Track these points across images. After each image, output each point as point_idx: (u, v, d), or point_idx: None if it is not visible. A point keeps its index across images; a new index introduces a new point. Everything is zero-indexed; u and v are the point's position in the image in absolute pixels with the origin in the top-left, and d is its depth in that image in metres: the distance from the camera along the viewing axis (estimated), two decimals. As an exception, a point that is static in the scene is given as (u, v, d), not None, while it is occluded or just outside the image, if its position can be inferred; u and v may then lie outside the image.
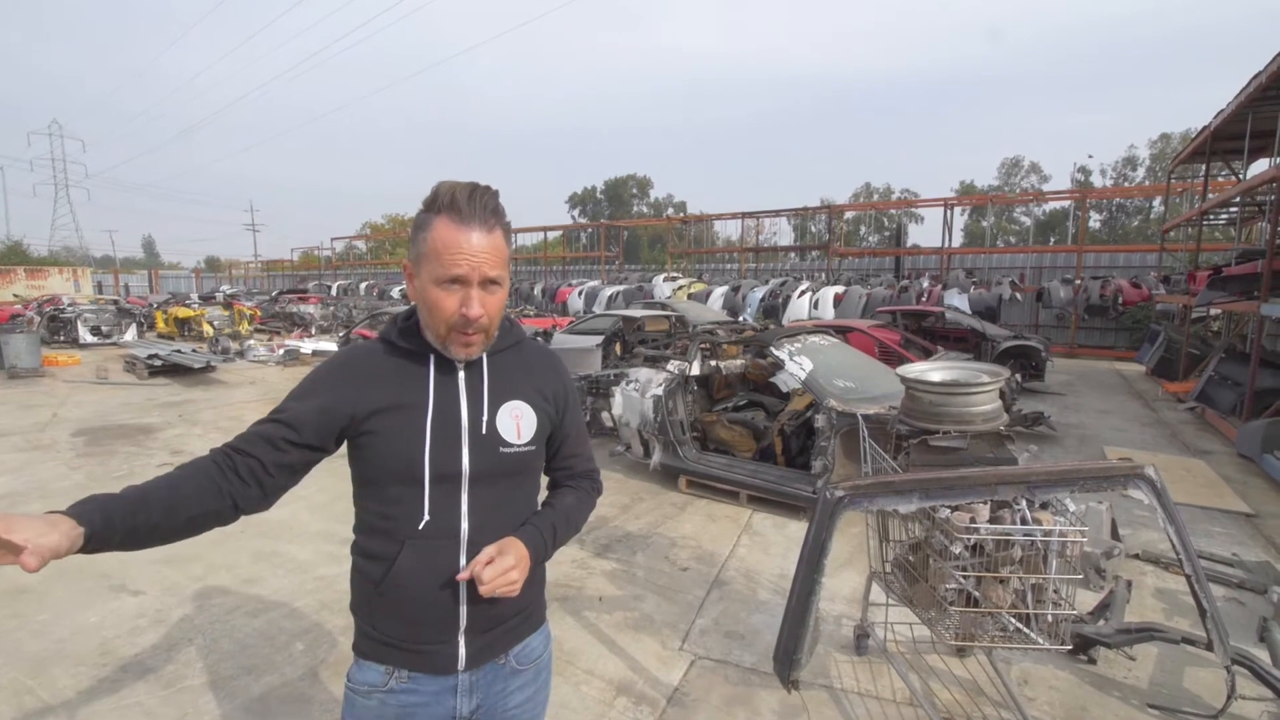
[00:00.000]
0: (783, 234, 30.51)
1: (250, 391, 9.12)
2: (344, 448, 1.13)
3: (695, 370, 5.16)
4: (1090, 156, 58.73)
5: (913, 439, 2.56)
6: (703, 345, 5.31)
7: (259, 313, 18.30)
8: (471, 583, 1.05)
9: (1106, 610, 2.79)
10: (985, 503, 1.92)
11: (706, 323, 7.60)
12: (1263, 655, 2.49)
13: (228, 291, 26.32)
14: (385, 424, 1.08)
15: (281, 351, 12.26)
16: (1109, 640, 2.58)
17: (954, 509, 1.94)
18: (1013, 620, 1.93)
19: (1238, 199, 9.58)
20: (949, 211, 17.14)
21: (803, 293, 14.25)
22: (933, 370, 2.67)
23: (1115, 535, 3.38)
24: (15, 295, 23.40)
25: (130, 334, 15.02)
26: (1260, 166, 10.29)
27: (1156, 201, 33.60)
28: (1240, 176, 9.65)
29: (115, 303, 16.98)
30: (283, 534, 3.94)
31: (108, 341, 14.61)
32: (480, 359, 1.14)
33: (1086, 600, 2.84)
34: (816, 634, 2.07)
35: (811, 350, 4.73)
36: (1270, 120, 7.71)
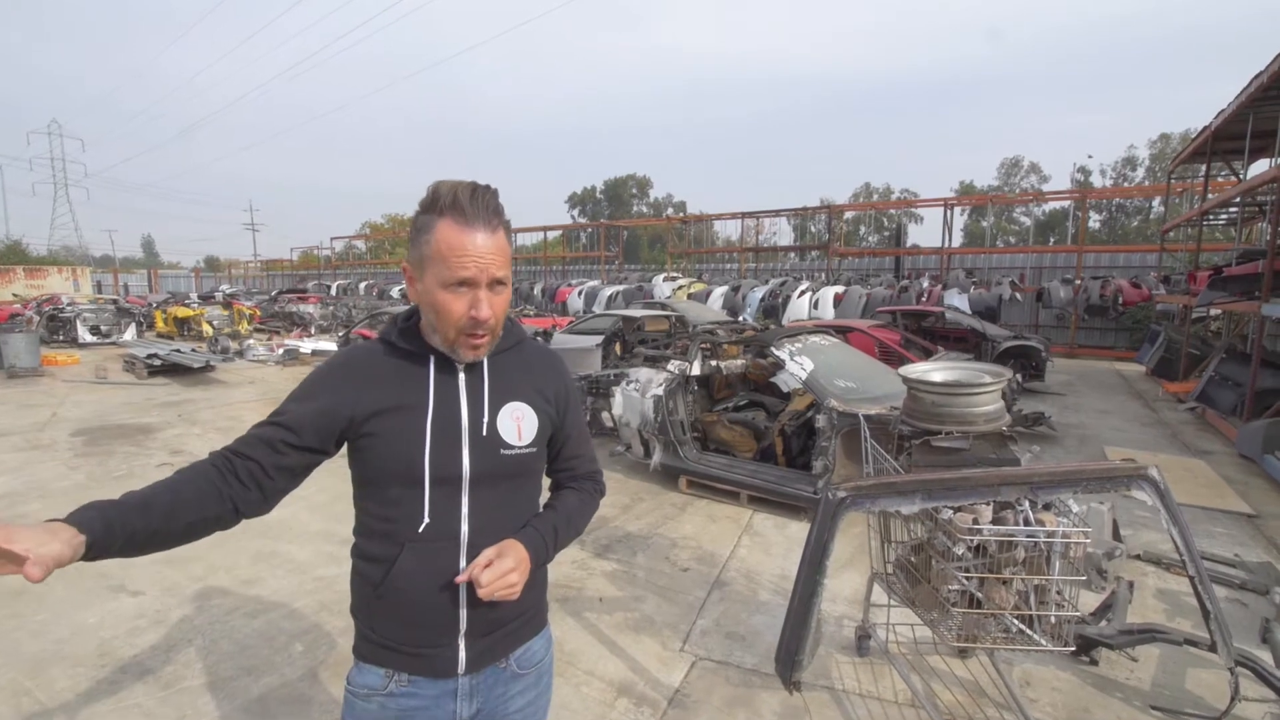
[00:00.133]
0: (782, 234, 30.54)
1: (249, 391, 9.11)
2: (344, 449, 1.12)
3: (695, 370, 5.15)
4: (1090, 156, 58.84)
5: (915, 439, 2.55)
6: (703, 345, 5.30)
7: (258, 312, 18.29)
8: (472, 585, 1.04)
9: (1109, 611, 2.78)
10: (988, 504, 1.91)
11: (707, 323, 7.59)
12: (1265, 656, 2.48)
13: (227, 291, 26.30)
14: (385, 426, 1.07)
15: (281, 351, 12.25)
16: (1111, 641, 2.57)
17: (957, 510, 1.93)
18: (1015, 622, 1.92)
19: (1238, 199, 9.57)
20: (949, 211, 17.13)
21: (803, 293, 14.24)
22: (935, 371, 2.66)
23: (1117, 536, 3.37)
24: (14, 295, 23.37)
25: (129, 333, 15.02)
26: (1261, 167, 10.28)
27: (1156, 202, 33.64)
28: (1241, 177, 9.64)
29: (114, 302, 16.96)
30: (282, 534, 3.93)
31: (107, 341, 14.60)
32: (481, 360, 1.13)
33: (1088, 601, 2.84)
34: (818, 635, 2.06)
35: (812, 350, 4.72)
36: (1271, 120, 7.70)
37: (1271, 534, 4.21)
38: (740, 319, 13.71)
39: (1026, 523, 1.87)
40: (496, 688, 1.16)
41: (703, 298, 15.83)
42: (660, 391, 4.90)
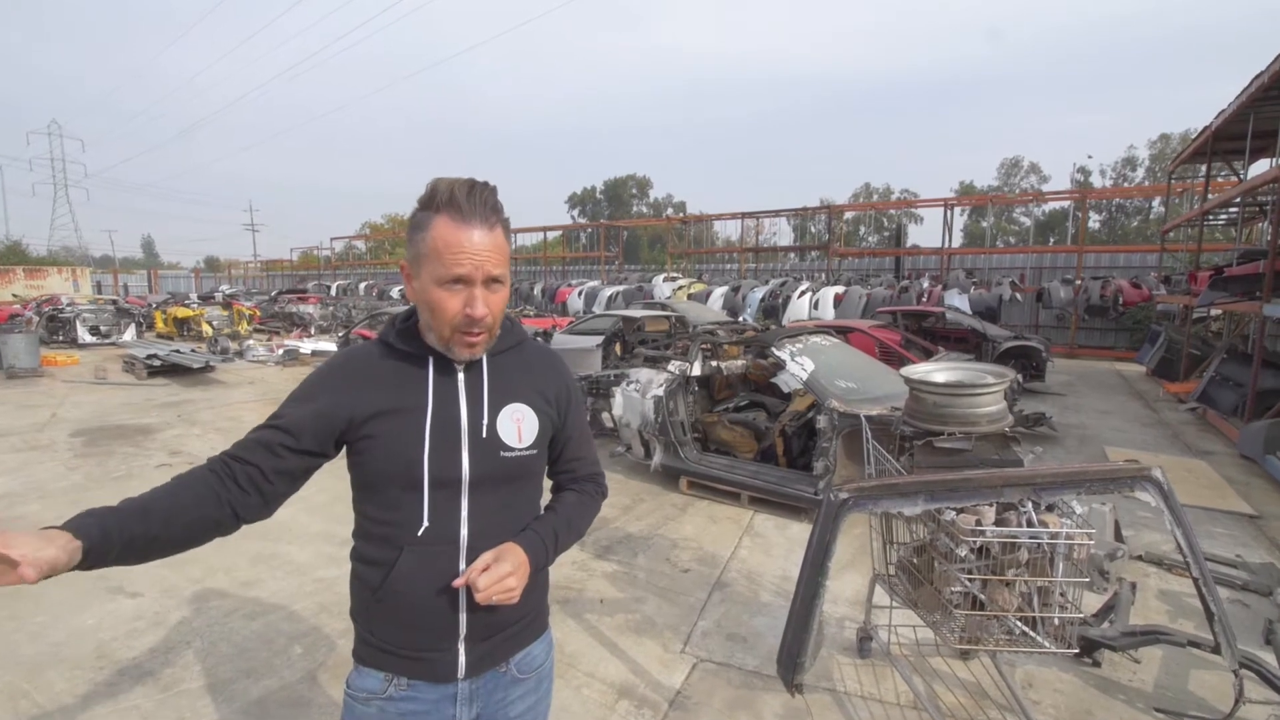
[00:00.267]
0: (782, 234, 30.54)
1: (249, 392, 9.09)
2: (344, 452, 1.11)
3: (696, 371, 5.14)
4: (1090, 157, 58.82)
5: (917, 440, 2.54)
6: (703, 346, 5.29)
7: (258, 313, 18.28)
8: (471, 589, 1.03)
9: (1111, 613, 2.77)
10: (991, 505, 1.90)
11: (707, 323, 7.58)
12: (1269, 658, 2.47)
13: (227, 291, 26.29)
14: (384, 428, 1.05)
15: (281, 351, 12.24)
16: (1114, 643, 2.56)
17: (959, 511, 1.92)
18: (1018, 623, 1.91)
19: (1239, 199, 9.57)
20: (949, 212, 17.13)
21: (803, 293, 14.24)
22: (937, 371, 2.65)
23: (1119, 537, 3.36)
24: (14, 295, 23.36)
25: (129, 334, 15.01)
26: (1261, 167, 10.27)
27: (1156, 202, 33.67)
28: (1241, 177, 9.64)
29: (114, 303, 16.95)
30: (281, 536, 3.91)
31: (106, 341, 14.59)
32: (480, 361, 1.12)
33: (1090, 603, 2.82)
34: (820, 637, 2.05)
35: (813, 351, 4.71)
36: (1272, 120, 7.70)
37: (1273, 535, 4.20)
38: (740, 319, 13.70)
39: (1030, 524, 1.86)
40: (496, 692, 1.15)
41: (703, 298, 15.82)
42: (661, 392, 4.89)
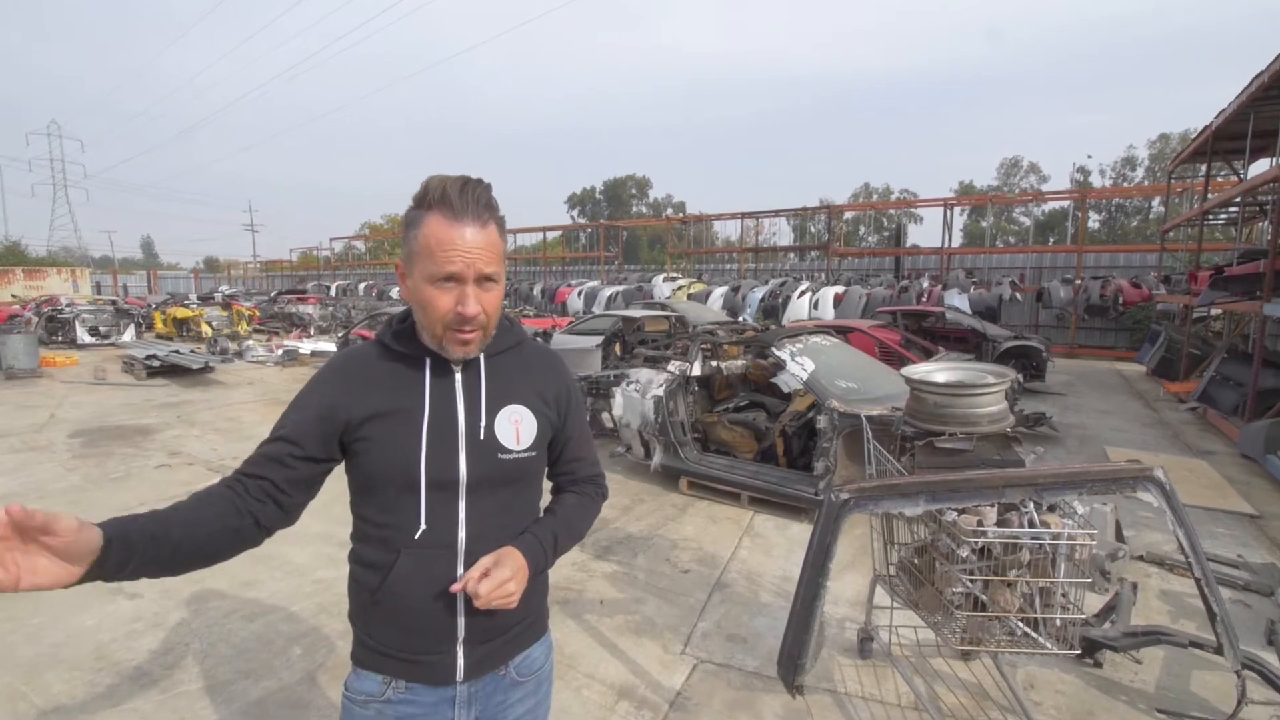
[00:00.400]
0: (782, 234, 30.56)
1: (248, 392, 9.08)
2: None
3: (696, 371, 5.13)
4: (1089, 156, 58.89)
5: (918, 440, 2.53)
6: (703, 346, 5.28)
7: (258, 313, 18.27)
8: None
9: (1112, 613, 2.76)
10: (992, 505, 1.89)
11: (707, 323, 7.58)
12: (1271, 659, 2.47)
13: (226, 292, 26.29)
14: (380, 430, 1.05)
15: (280, 352, 12.23)
16: (1116, 644, 2.55)
17: (961, 512, 1.91)
18: (1020, 624, 1.91)
19: (1239, 199, 9.57)
20: (948, 212, 17.13)
21: (802, 293, 14.23)
22: (938, 371, 2.64)
23: (1120, 537, 3.35)
24: (13, 296, 23.35)
25: (128, 334, 14.99)
26: (1261, 166, 10.28)
27: (1156, 202, 33.66)
28: (1241, 176, 9.64)
29: (113, 303, 16.95)
30: (280, 536, 3.85)
31: (106, 342, 14.57)
32: (478, 361, 1.11)
33: (1092, 603, 2.82)
34: (821, 638, 2.04)
35: (813, 351, 4.71)
36: (1272, 120, 7.69)
37: (1275, 534, 4.19)
38: (740, 319, 13.69)
39: (1031, 525, 1.86)
40: (495, 695, 1.14)
41: (702, 298, 15.82)
42: (660, 392, 4.89)
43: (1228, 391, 7.37)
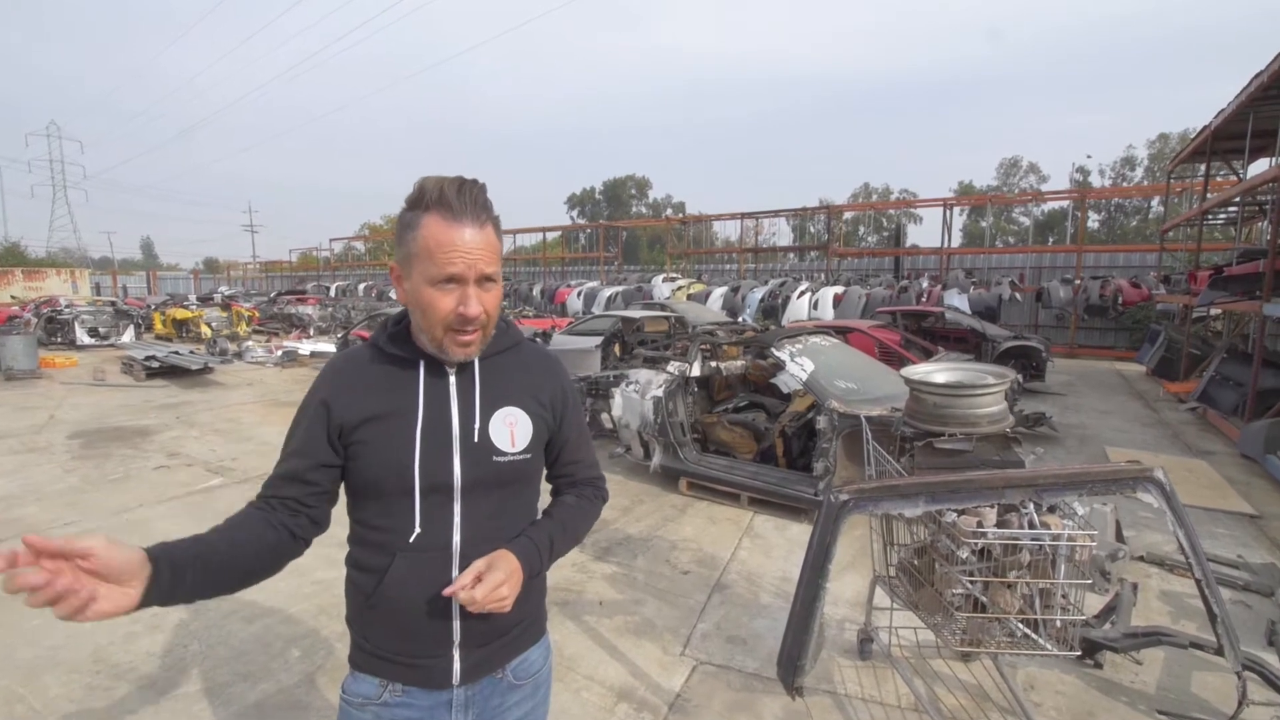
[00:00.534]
0: (782, 234, 30.53)
1: (248, 393, 9.07)
2: None
3: (695, 371, 5.13)
4: (1089, 157, 58.96)
5: (917, 441, 2.53)
6: (703, 346, 5.28)
7: (257, 314, 18.26)
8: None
9: (1113, 614, 2.76)
10: (992, 506, 1.89)
11: (706, 323, 7.57)
12: (1272, 659, 2.46)
13: (226, 293, 26.27)
14: (374, 433, 1.04)
15: (279, 353, 12.22)
16: (1116, 644, 2.55)
17: (960, 513, 1.91)
18: (1020, 625, 1.90)
19: (1238, 199, 9.56)
20: (948, 212, 17.13)
21: (802, 293, 14.23)
22: (938, 372, 2.64)
23: (1120, 538, 3.35)
24: (13, 297, 23.34)
25: (128, 335, 14.97)
26: (1261, 166, 10.27)
27: (1155, 201, 33.67)
28: (1241, 176, 9.64)
29: (113, 304, 16.91)
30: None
31: (105, 343, 14.56)
32: (472, 364, 1.10)
33: (1092, 604, 2.81)
34: (821, 639, 2.04)
35: (813, 351, 4.70)
36: (1271, 120, 7.69)
37: (1275, 535, 4.19)
38: (740, 320, 13.69)
39: (1031, 525, 1.85)
40: (493, 698, 1.13)
41: (702, 298, 15.81)
42: (660, 393, 4.88)
43: (1227, 391, 7.37)
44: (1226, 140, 9.27)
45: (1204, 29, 76.86)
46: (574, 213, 56.91)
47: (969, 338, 9.45)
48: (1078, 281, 13.70)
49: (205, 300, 20.02)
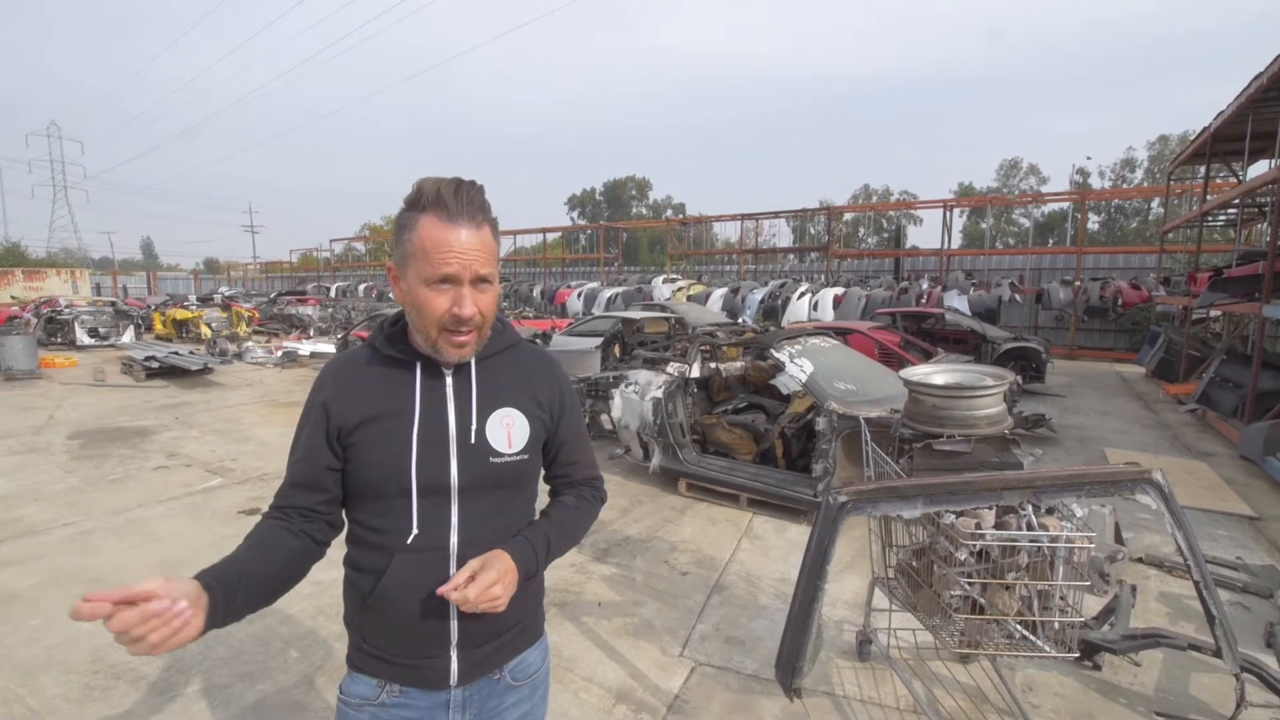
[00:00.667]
0: (782, 235, 30.57)
1: (248, 394, 9.08)
2: None
3: (695, 372, 5.13)
4: (1089, 158, 58.97)
5: (916, 442, 2.53)
6: (702, 347, 5.28)
7: (257, 314, 18.26)
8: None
9: (1111, 615, 2.76)
10: (991, 508, 1.89)
11: (706, 324, 7.57)
12: (1270, 661, 2.46)
13: (226, 293, 26.27)
14: (371, 434, 1.05)
15: (279, 353, 12.22)
16: (1115, 646, 2.55)
17: (959, 514, 1.91)
18: (1018, 627, 1.90)
19: (1238, 200, 9.57)
20: (948, 213, 17.13)
21: (802, 294, 14.23)
22: (937, 373, 2.64)
23: (1119, 539, 3.35)
24: (13, 297, 23.34)
25: (128, 336, 14.97)
26: (1260, 168, 10.29)
27: (1155, 203, 33.70)
28: (1240, 178, 9.64)
29: (113, 304, 16.90)
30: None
31: (105, 343, 14.56)
32: (469, 365, 1.11)
33: (1091, 605, 2.81)
34: (819, 641, 2.04)
35: (812, 352, 4.70)
36: (1271, 122, 7.70)
37: (1274, 536, 4.19)
38: (740, 321, 13.69)
39: (1029, 527, 1.85)
40: (490, 699, 1.14)
41: (702, 299, 15.80)
42: (659, 394, 4.88)
43: (1227, 393, 7.37)
44: (1226, 142, 9.28)
45: (1204, 32, 77.06)
46: (574, 213, 56.96)
47: (969, 339, 9.45)
48: (1078, 283, 13.70)
49: (205, 301, 20.03)
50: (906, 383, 2.62)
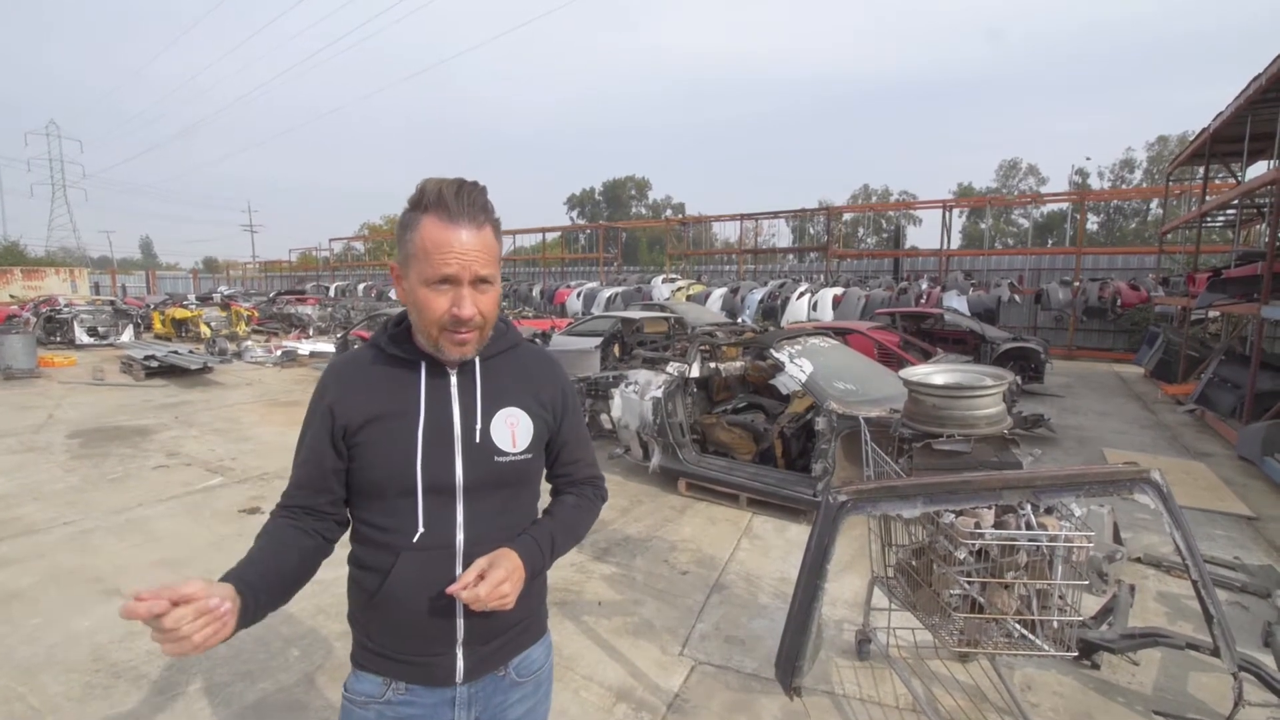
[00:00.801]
0: (781, 235, 30.52)
1: (247, 393, 9.07)
2: None
3: (694, 372, 5.13)
4: (1088, 159, 59.08)
5: (916, 442, 2.53)
6: (702, 347, 5.28)
7: (256, 314, 18.26)
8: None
9: (1110, 615, 2.77)
10: (990, 507, 1.90)
11: (705, 324, 7.58)
12: (1268, 660, 2.47)
13: (225, 292, 26.27)
14: (376, 434, 1.05)
15: (279, 353, 12.22)
16: (1113, 645, 2.56)
17: (958, 514, 1.92)
18: (1017, 626, 1.91)
19: (1236, 201, 9.58)
20: (947, 213, 17.15)
21: (801, 294, 14.24)
22: (936, 373, 2.65)
23: (1118, 539, 3.36)
24: (12, 296, 23.33)
25: (127, 335, 14.96)
26: (1259, 169, 10.30)
27: (1154, 204, 33.73)
28: (1239, 178, 9.65)
29: (112, 303, 16.91)
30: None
31: (104, 342, 14.55)
32: (473, 364, 1.11)
33: (1089, 605, 2.82)
34: (819, 640, 2.04)
35: (812, 352, 4.71)
36: (1270, 122, 7.71)
37: (1272, 536, 4.20)
38: (739, 321, 13.70)
39: (1029, 527, 1.86)
40: (495, 696, 1.14)
41: (701, 299, 15.81)
42: (659, 393, 4.89)
43: (1225, 393, 7.38)
44: (1225, 143, 9.29)
45: (1204, 33, 77.16)
46: (574, 213, 56.97)
47: (968, 339, 9.46)
48: (1077, 283, 13.72)
49: (204, 300, 20.01)
50: (906, 383, 2.62)
